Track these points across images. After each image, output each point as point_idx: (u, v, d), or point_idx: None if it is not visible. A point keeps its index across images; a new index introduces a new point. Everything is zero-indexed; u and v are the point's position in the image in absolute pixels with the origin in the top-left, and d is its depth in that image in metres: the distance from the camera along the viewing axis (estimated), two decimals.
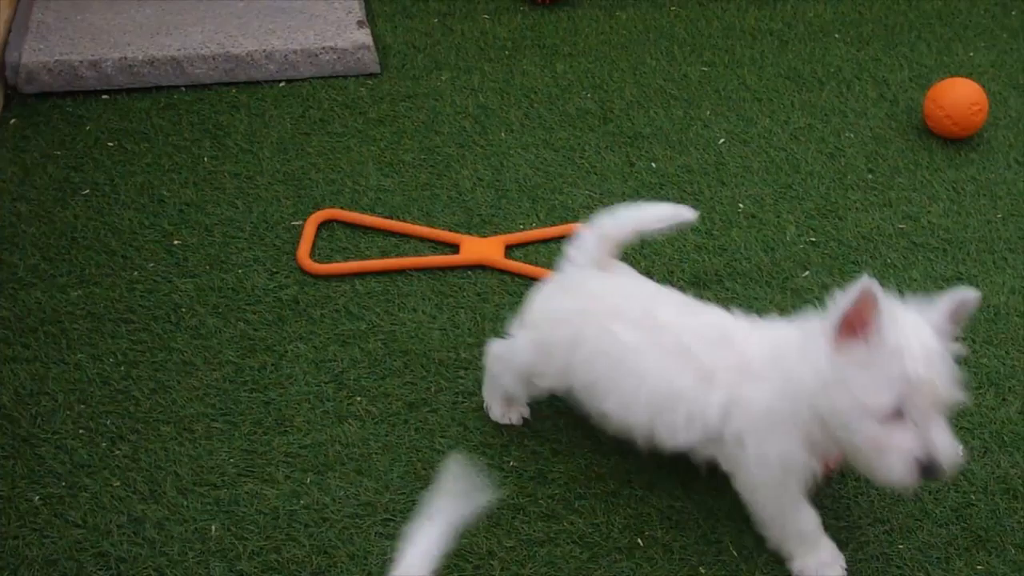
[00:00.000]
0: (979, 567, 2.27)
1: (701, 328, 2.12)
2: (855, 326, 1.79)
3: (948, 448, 1.73)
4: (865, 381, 1.76)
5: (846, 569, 2.17)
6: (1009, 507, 2.38)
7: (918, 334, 1.78)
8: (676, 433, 2.09)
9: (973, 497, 2.38)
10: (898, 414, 1.73)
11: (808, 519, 2.12)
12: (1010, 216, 3.10)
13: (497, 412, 2.41)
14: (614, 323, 2.15)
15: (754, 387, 2.00)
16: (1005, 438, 2.52)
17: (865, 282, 1.75)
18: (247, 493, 2.26)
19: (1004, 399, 2.61)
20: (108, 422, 2.37)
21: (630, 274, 2.35)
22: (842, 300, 1.79)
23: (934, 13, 3.86)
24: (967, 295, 1.82)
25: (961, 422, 2.46)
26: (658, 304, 2.20)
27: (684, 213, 2.26)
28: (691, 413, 2.06)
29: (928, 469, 1.72)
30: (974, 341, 2.73)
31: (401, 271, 2.75)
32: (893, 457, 1.73)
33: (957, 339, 1.85)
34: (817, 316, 1.93)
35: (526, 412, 2.42)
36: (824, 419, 1.88)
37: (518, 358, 2.27)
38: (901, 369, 1.72)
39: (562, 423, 2.46)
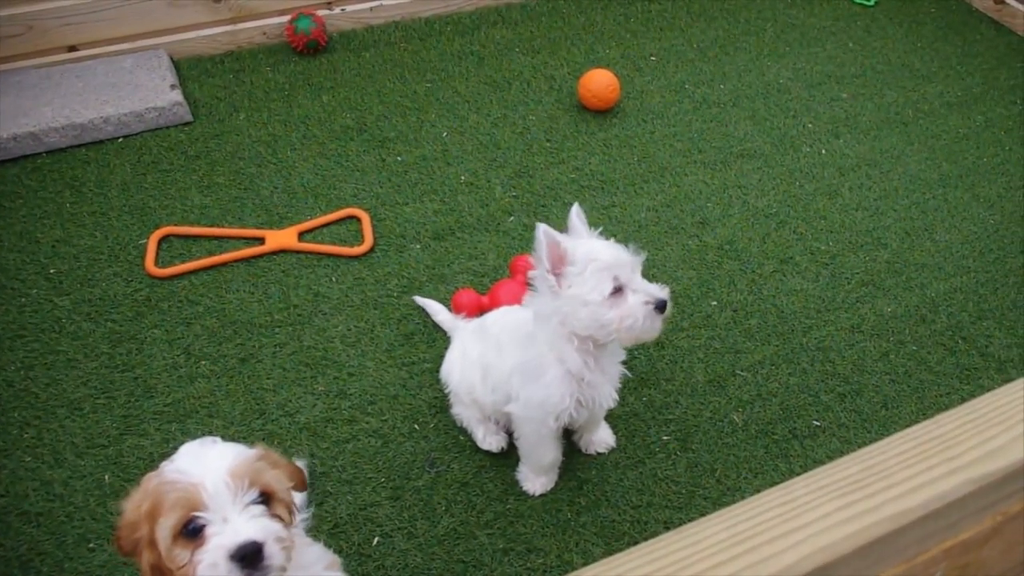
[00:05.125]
0: (642, 395, 2.35)
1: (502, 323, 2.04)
2: (555, 261, 1.70)
3: (659, 289, 1.71)
4: (586, 287, 1.68)
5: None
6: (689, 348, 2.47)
7: (590, 239, 1.75)
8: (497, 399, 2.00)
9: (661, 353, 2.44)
10: (618, 291, 1.68)
11: (551, 454, 2.02)
12: (642, 159, 3.16)
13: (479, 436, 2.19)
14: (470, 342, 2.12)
15: (512, 350, 1.91)
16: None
17: (540, 228, 1.66)
18: (129, 447, 2.13)
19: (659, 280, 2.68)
20: (16, 414, 2.19)
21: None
22: (538, 250, 1.68)
23: (580, 26, 3.86)
24: (574, 209, 1.78)
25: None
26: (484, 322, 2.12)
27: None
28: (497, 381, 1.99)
29: (659, 306, 1.69)
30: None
31: (224, 264, 2.61)
32: (639, 316, 1.67)
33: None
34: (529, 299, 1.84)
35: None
36: (581, 333, 1.75)
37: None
38: (602, 262, 1.67)
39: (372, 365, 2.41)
